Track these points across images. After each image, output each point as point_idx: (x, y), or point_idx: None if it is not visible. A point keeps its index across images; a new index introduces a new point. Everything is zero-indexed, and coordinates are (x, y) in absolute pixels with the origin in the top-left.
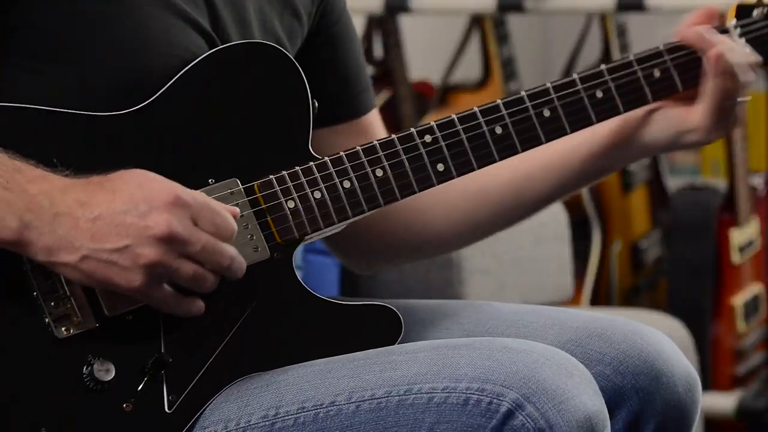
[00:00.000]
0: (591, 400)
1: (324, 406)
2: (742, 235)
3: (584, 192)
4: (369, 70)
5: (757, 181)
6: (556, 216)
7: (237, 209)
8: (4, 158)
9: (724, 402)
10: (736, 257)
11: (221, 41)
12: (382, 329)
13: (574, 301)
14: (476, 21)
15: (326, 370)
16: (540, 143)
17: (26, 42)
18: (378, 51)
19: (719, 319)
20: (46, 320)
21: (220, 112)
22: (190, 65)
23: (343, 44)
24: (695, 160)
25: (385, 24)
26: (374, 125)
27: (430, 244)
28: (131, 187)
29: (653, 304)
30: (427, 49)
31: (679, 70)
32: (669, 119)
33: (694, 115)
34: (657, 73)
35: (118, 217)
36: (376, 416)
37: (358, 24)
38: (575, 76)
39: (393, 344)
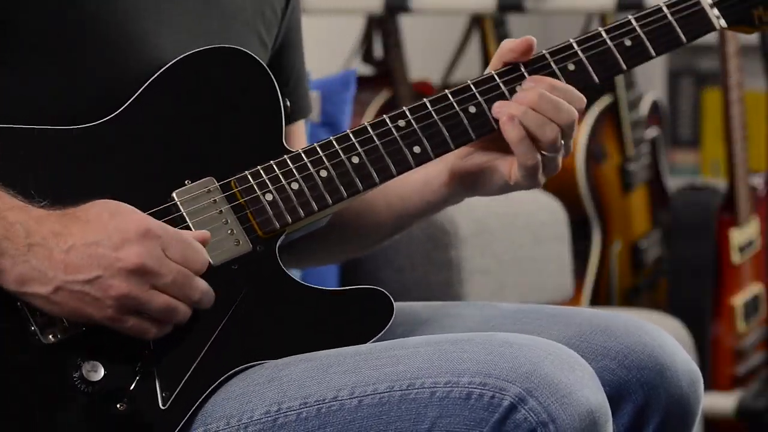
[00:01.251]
0: (593, 395)
1: (326, 401)
2: (742, 235)
3: (584, 192)
4: (369, 70)
5: (757, 181)
6: (556, 216)
7: (207, 233)
8: None
9: (724, 402)
10: (736, 257)
11: (205, 43)
12: (374, 311)
13: (574, 301)
14: (476, 21)
15: (328, 365)
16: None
17: (8, 45)
18: (378, 51)
19: (719, 319)
20: (32, 328)
21: (193, 115)
22: (161, 71)
23: (295, 46)
24: (695, 160)
25: (385, 24)
26: (299, 133)
27: (351, 244)
28: (104, 218)
29: (653, 304)
30: (427, 49)
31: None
32: (492, 172)
33: (511, 169)
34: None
35: (90, 248)
36: (379, 411)
37: (358, 24)
38: (544, 52)
39: (386, 325)
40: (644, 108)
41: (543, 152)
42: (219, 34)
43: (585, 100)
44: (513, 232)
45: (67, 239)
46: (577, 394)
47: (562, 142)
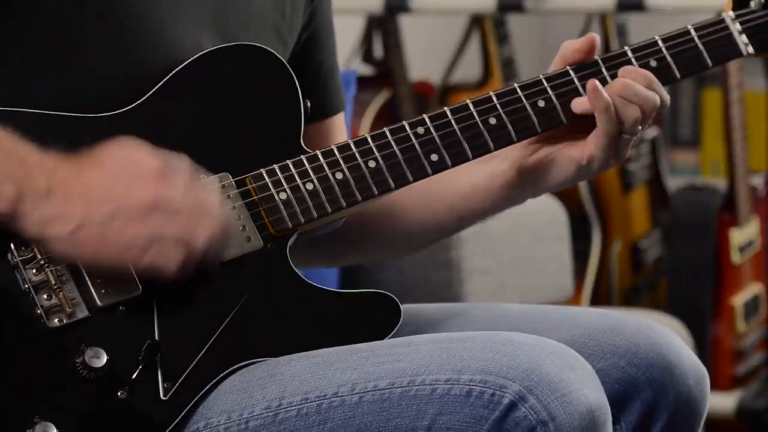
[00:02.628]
0: (593, 393)
1: (327, 397)
2: (742, 235)
3: (584, 192)
4: (369, 70)
5: (757, 181)
6: (556, 216)
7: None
8: (5, 132)
9: (724, 402)
10: (736, 257)
11: (222, 38)
12: (381, 316)
13: (574, 301)
14: (476, 21)
15: (329, 362)
16: (536, 133)
17: (21, 39)
18: (378, 51)
19: (719, 319)
20: (38, 311)
21: (211, 110)
22: (182, 65)
23: (324, 42)
24: (695, 160)
25: (385, 24)
26: (338, 128)
27: (400, 244)
28: (119, 158)
29: (653, 304)
30: (427, 49)
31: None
32: (562, 161)
33: (581, 152)
34: (541, 103)
35: (107, 186)
36: (379, 407)
37: (358, 24)
38: (569, 68)
39: (392, 330)
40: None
41: (624, 135)
42: (237, 28)
43: (666, 93)
44: (513, 232)
45: (84, 180)
46: (577, 393)
47: (641, 127)
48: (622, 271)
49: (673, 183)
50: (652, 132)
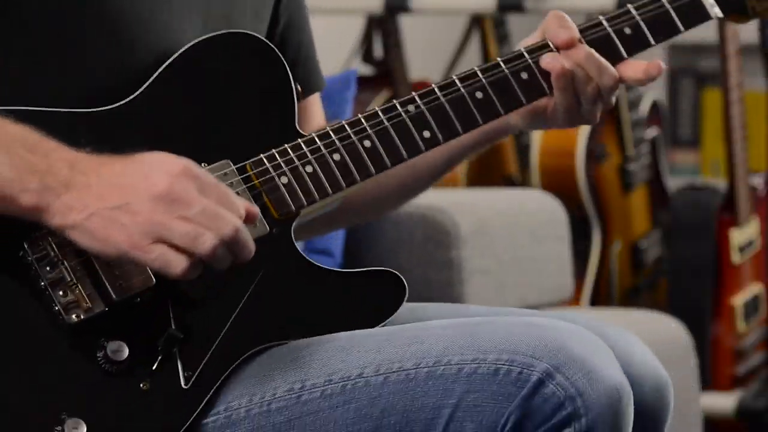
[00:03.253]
0: (617, 373)
1: (351, 378)
2: (742, 235)
3: (584, 192)
4: (369, 70)
5: (757, 181)
6: (556, 216)
7: (257, 209)
8: (31, 131)
9: (724, 402)
10: (736, 257)
11: (210, 27)
12: (387, 293)
13: (574, 301)
14: (476, 21)
15: (351, 345)
16: (521, 105)
17: (18, 30)
18: (378, 51)
19: (719, 319)
20: (56, 308)
21: (207, 99)
22: (174, 57)
23: (299, 28)
24: (695, 160)
25: (385, 24)
26: (315, 107)
27: (394, 194)
28: (144, 157)
29: (653, 304)
30: (427, 49)
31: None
32: (535, 110)
33: (553, 110)
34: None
35: (125, 178)
36: (405, 387)
37: (358, 24)
38: (548, 39)
39: (399, 305)
40: (644, 108)
41: (581, 104)
42: (222, 15)
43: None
44: (513, 232)
45: (105, 174)
46: (603, 372)
47: (598, 99)
48: (622, 271)
49: (673, 183)
50: (652, 132)
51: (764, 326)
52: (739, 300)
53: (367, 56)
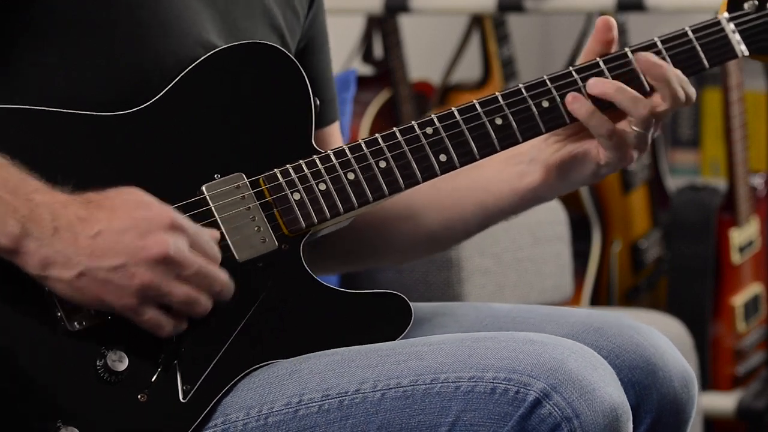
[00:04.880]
0: (615, 392)
1: (349, 393)
2: (742, 235)
3: (584, 192)
4: (369, 70)
5: (757, 181)
6: (556, 216)
7: (217, 233)
8: (12, 167)
9: (724, 402)
10: (736, 257)
11: (231, 36)
12: (392, 316)
13: (574, 301)
14: (476, 21)
15: (349, 359)
16: (540, 133)
17: (36, 33)
18: (378, 51)
19: (719, 319)
20: (59, 314)
21: (224, 109)
22: (194, 64)
23: (319, 50)
24: (695, 160)
25: (385, 24)
26: (334, 138)
27: (423, 246)
28: (130, 206)
29: (653, 304)
30: (427, 49)
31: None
32: (582, 159)
33: (599, 151)
34: (545, 104)
35: (117, 235)
36: (402, 404)
37: (358, 24)
38: (571, 68)
39: (403, 331)
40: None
41: (635, 128)
42: (244, 28)
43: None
44: (513, 232)
45: (93, 225)
46: (601, 391)
47: (654, 120)
48: (622, 271)
49: (673, 183)
50: None
51: (764, 326)
52: (739, 300)
53: (367, 56)
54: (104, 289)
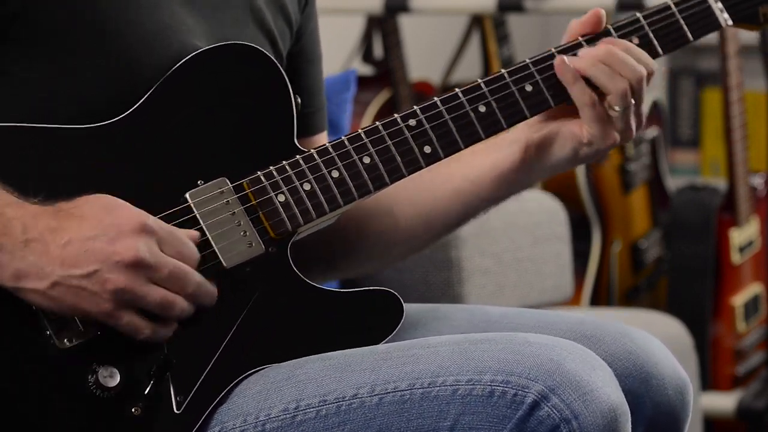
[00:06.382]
0: (614, 393)
1: (346, 398)
2: (742, 235)
3: (584, 192)
4: (369, 70)
5: (757, 181)
6: (556, 216)
7: (196, 232)
8: None
9: (724, 402)
10: (736, 257)
11: (215, 40)
12: (384, 313)
13: (574, 301)
14: (476, 21)
15: (346, 364)
16: (524, 118)
17: (15, 44)
18: (378, 51)
19: (719, 319)
20: (48, 332)
21: (205, 114)
22: (172, 70)
23: (311, 59)
24: (695, 160)
25: (385, 24)
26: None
27: (403, 242)
28: (99, 213)
29: (653, 304)
30: (427, 49)
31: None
32: (564, 136)
33: (581, 128)
34: (529, 88)
35: (87, 242)
36: (400, 408)
37: (358, 24)
38: (553, 49)
39: (396, 327)
40: (644, 108)
41: (613, 107)
42: (233, 35)
43: (655, 64)
44: (513, 232)
45: (63, 234)
46: (599, 392)
47: (632, 100)
48: (622, 271)
49: (673, 183)
50: (652, 132)
51: (764, 326)
52: (739, 300)
53: (367, 56)
54: (79, 297)
